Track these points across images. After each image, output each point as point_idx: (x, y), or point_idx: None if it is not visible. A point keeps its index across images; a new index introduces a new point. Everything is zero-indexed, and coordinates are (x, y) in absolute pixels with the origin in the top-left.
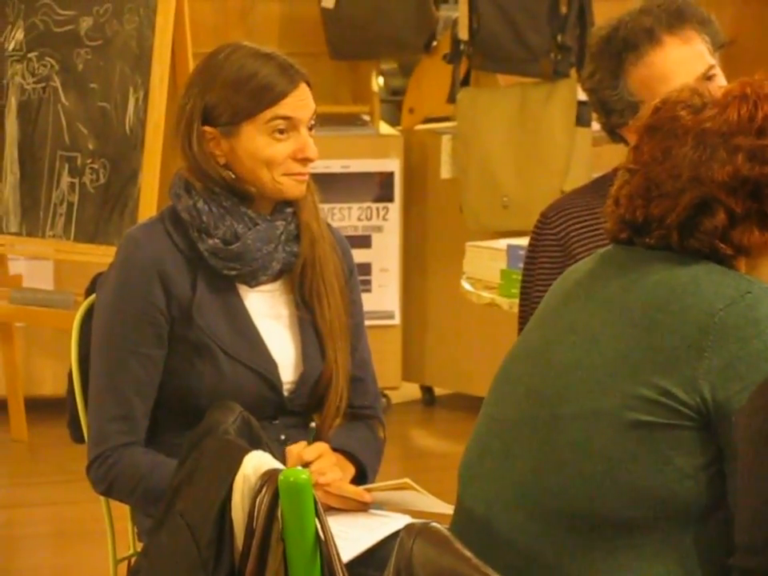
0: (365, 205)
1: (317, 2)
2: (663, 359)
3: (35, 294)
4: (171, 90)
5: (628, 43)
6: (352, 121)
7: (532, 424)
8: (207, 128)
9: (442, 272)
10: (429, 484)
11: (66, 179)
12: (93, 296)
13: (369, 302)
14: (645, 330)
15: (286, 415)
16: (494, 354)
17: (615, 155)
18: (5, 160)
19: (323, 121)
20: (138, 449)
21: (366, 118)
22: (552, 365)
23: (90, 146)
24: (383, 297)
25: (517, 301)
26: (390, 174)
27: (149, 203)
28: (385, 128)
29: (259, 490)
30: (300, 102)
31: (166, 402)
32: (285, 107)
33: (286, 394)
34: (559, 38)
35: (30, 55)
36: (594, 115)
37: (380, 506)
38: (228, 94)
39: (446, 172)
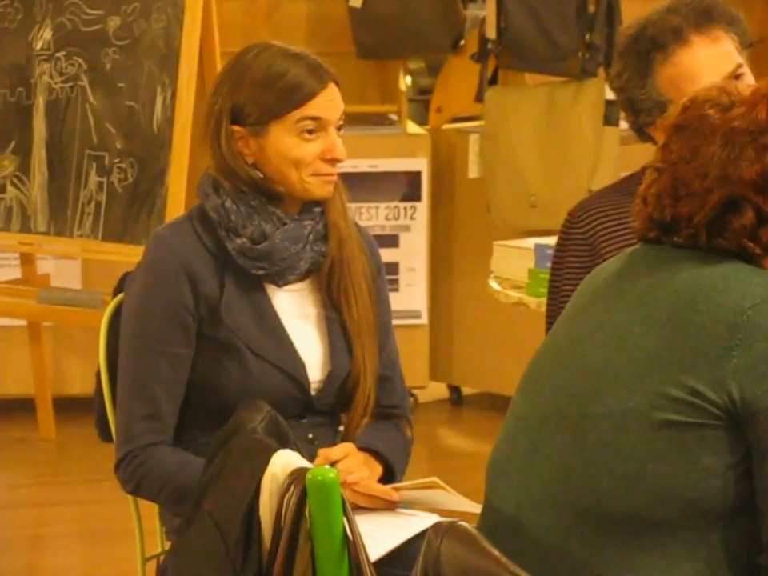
0: (392, 204)
1: (344, 1)
2: (691, 358)
3: (63, 294)
4: (199, 89)
5: (656, 42)
6: (379, 120)
7: (560, 423)
8: (236, 127)
9: (469, 271)
10: (456, 483)
11: (93, 178)
12: (121, 295)
13: (396, 301)
14: (673, 329)
15: (313, 414)
16: (521, 353)
17: (643, 154)
18: (33, 159)
19: (351, 120)
20: (165, 448)
21: (394, 117)
22: (580, 364)
23: (118, 146)
24: (411, 296)
25: (544, 300)
26: (418, 174)
27: (176, 202)
28: (412, 127)
29: (287, 489)
30: (329, 103)
31: (194, 400)
32: (314, 107)
33: (313, 393)
34: (587, 36)
35: (57, 54)
36: (622, 114)
37: (408, 504)
38: (257, 93)
39: (473, 171)
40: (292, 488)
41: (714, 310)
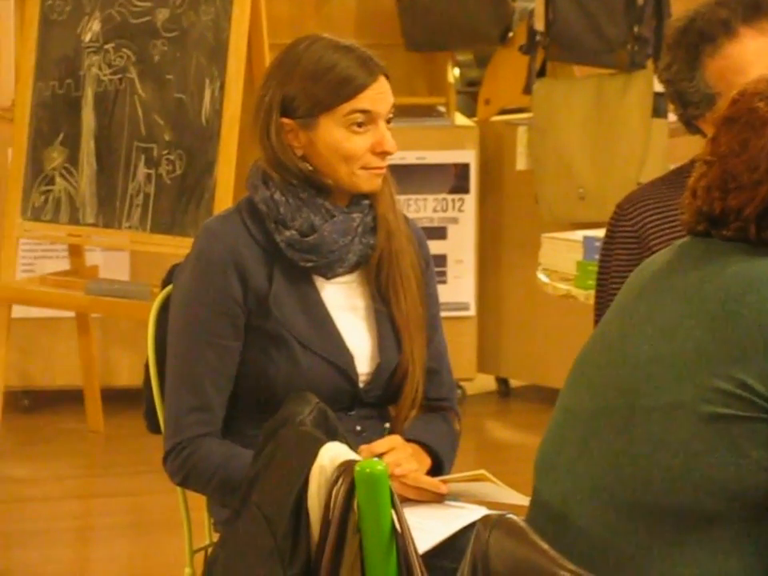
0: (440, 196)
1: None
2: (740, 351)
3: (111, 285)
4: (247, 81)
5: (704, 35)
6: (428, 112)
7: (609, 416)
8: (285, 120)
9: (517, 263)
10: (504, 475)
11: (142, 170)
12: (169, 287)
13: (444, 293)
14: (722, 322)
15: (361, 407)
16: (569, 346)
17: (692, 146)
18: (81, 152)
19: (399, 112)
20: (214, 440)
21: (442, 109)
22: (629, 357)
23: (167, 138)
24: (459, 288)
25: (593, 292)
26: (466, 166)
27: (225, 194)
28: (460, 119)
29: (335, 481)
30: (379, 96)
31: (242, 393)
32: (363, 100)
33: (361, 385)
34: (636, 29)
35: (106, 46)
36: (671, 106)
37: (456, 497)
38: (307, 85)
39: (521, 163)
40: (340, 480)
41: (763, 302)
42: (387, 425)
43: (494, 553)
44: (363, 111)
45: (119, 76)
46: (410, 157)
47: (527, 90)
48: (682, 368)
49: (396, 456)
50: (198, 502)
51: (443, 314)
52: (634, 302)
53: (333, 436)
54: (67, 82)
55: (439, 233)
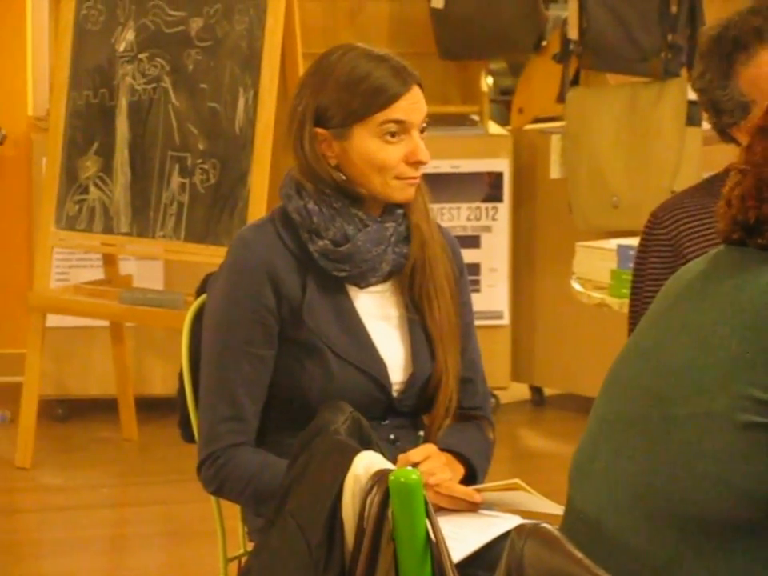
0: (474, 205)
1: (426, 1)
2: None
3: (145, 294)
4: (281, 90)
5: (738, 43)
6: (461, 121)
7: (644, 425)
8: (319, 129)
9: (551, 272)
10: (539, 484)
11: (176, 179)
12: (203, 296)
13: (478, 302)
14: (757, 330)
15: (395, 416)
16: (604, 355)
17: (726, 155)
18: (115, 161)
19: (432, 121)
20: (248, 449)
21: (476, 117)
22: (664, 365)
23: (200, 147)
24: (492, 297)
25: (627, 301)
26: (500, 174)
27: (258, 204)
28: (494, 128)
29: (370, 490)
30: (413, 105)
31: (276, 402)
32: (397, 110)
33: (395, 394)
34: (669, 37)
35: (140, 56)
36: (705, 115)
37: (490, 506)
38: (340, 95)
39: (555, 172)
40: (375, 489)
41: None
42: (421, 433)
43: (528, 562)
44: (397, 121)
45: (153, 85)
46: (444, 166)
47: (561, 98)
48: (717, 377)
49: (430, 465)
50: (232, 511)
51: (477, 322)
52: (669, 310)
53: (367, 445)
54: (101, 91)
55: (473, 241)
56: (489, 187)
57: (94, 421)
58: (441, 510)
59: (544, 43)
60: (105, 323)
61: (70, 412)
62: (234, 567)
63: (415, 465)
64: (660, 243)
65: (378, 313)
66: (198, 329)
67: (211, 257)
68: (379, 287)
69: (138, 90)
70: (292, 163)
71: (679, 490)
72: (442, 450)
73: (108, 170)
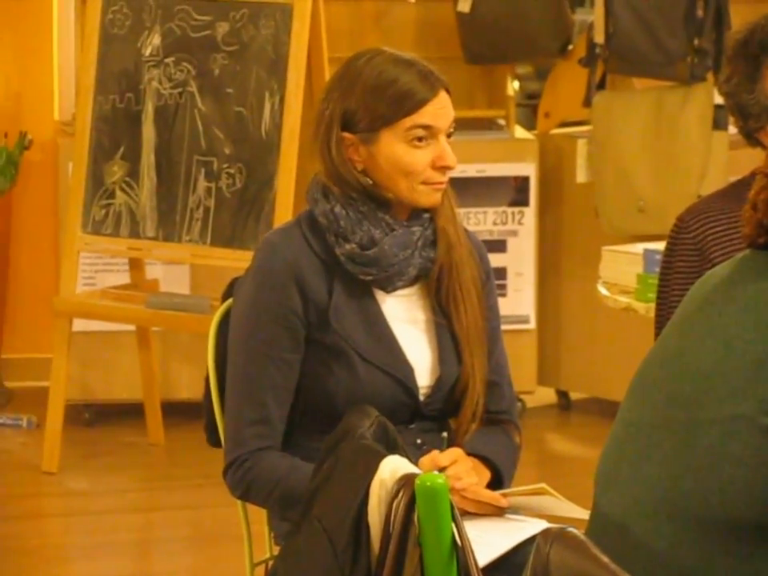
0: (500, 209)
1: (452, 6)
2: None
3: (172, 299)
4: (307, 94)
5: (765, 47)
6: (487, 125)
7: (669, 429)
8: (346, 134)
9: (577, 276)
10: (565, 489)
11: (202, 184)
12: (229, 300)
13: (504, 306)
14: None
15: (421, 420)
16: (630, 359)
17: (752, 159)
18: (142, 165)
19: (459, 125)
20: (274, 453)
21: (502, 122)
22: (689, 370)
23: (227, 151)
24: (518, 301)
25: (653, 305)
26: (526, 179)
27: (285, 208)
28: (520, 132)
29: (396, 495)
30: (440, 111)
31: (303, 406)
32: (425, 115)
33: (422, 398)
34: (696, 41)
35: (166, 60)
36: (731, 119)
37: (516, 510)
38: (367, 100)
39: (581, 176)
40: (401, 494)
41: None
42: (444, 434)
43: (554, 566)
44: (424, 126)
45: (179, 90)
46: (470, 170)
47: (587, 102)
48: (742, 381)
49: (456, 469)
50: (259, 515)
51: (503, 327)
52: (695, 314)
53: (393, 449)
54: (128, 95)
55: (499, 246)
56: (515, 191)
57: (121, 425)
58: (467, 514)
59: (570, 47)
60: (131, 328)
61: (96, 416)
62: (260, 571)
63: (442, 469)
64: (686, 247)
65: (405, 316)
66: (224, 333)
67: (237, 261)
68: (406, 291)
69: (164, 95)
70: (318, 167)
71: (704, 493)
72: (469, 454)
73: (134, 174)
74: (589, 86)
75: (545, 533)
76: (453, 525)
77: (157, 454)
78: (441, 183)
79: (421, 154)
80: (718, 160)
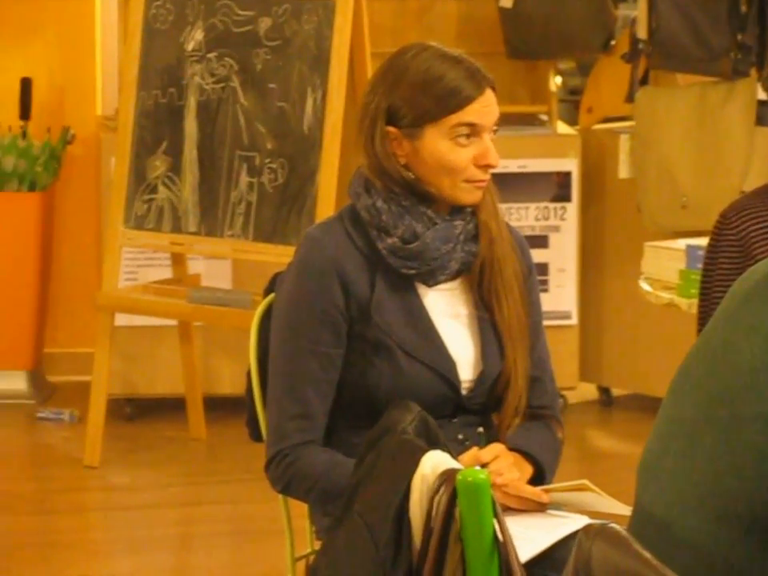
0: (542, 205)
1: (494, 1)
2: None
3: (214, 294)
4: (349, 90)
5: None
6: (530, 120)
7: (711, 425)
8: (390, 128)
9: (619, 272)
10: (607, 485)
11: (244, 179)
12: (271, 295)
13: (546, 302)
14: None
15: (464, 414)
16: (672, 355)
17: None
18: (184, 160)
19: (501, 121)
20: (316, 447)
21: (544, 117)
22: (732, 366)
23: (269, 146)
24: (560, 297)
25: (696, 301)
26: (568, 174)
27: (327, 203)
28: (563, 127)
29: (437, 490)
30: (485, 109)
31: (345, 401)
32: (470, 113)
33: (464, 393)
34: (739, 36)
35: (209, 55)
36: None
37: (558, 506)
38: (413, 95)
39: (623, 172)
40: (442, 489)
41: None
42: (481, 429)
43: (596, 563)
44: (469, 124)
45: (222, 85)
46: (512, 165)
47: (630, 98)
48: None
49: (499, 465)
50: (300, 509)
51: (545, 322)
52: (738, 310)
53: (434, 444)
54: (170, 90)
55: (541, 241)
56: (557, 187)
57: (162, 420)
58: (508, 509)
59: (613, 43)
60: (173, 322)
61: (138, 411)
62: (301, 566)
63: (484, 465)
64: (729, 243)
65: (448, 311)
66: (266, 328)
67: (279, 256)
68: (448, 285)
69: (207, 90)
70: (360, 162)
71: (746, 490)
72: (511, 449)
73: (176, 169)
74: (631, 81)
75: (587, 529)
76: (494, 520)
77: (198, 448)
78: (482, 181)
79: (464, 152)
80: (761, 156)
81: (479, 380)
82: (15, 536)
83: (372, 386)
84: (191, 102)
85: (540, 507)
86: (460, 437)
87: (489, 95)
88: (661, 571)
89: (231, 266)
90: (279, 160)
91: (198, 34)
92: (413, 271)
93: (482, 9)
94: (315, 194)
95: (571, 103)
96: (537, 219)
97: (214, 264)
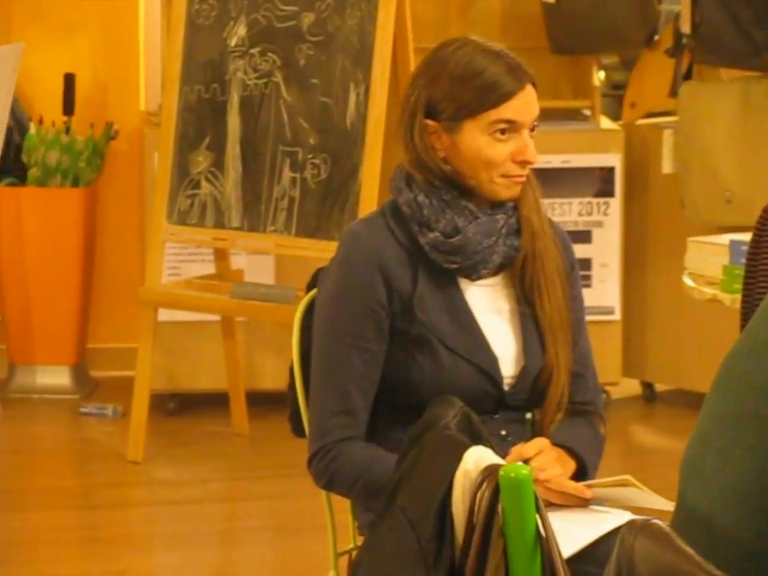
0: (585, 200)
1: None
2: None
3: (256, 289)
4: (392, 85)
5: None
6: (573, 115)
7: (755, 421)
8: (429, 121)
9: (663, 267)
10: (650, 481)
11: (287, 174)
12: (314, 291)
13: (589, 297)
14: None
15: (506, 410)
16: (715, 350)
17: None
18: (227, 156)
19: (543, 115)
20: (358, 443)
21: (587, 112)
22: None
23: (312, 141)
24: (603, 292)
25: (739, 297)
26: (611, 169)
27: (369, 198)
28: (606, 122)
29: (480, 485)
30: (525, 105)
31: (387, 396)
32: (509, 109)
33: (506, 388)
34: None
35: (252, 51)
36: None
37: (600, 502)
38: (453, 89)
39: (667, 167)
40: (485, 485)
41: None
42: (528, 415)
43: (639, 558)
44: (508, 120)
45: (264, 80)
46: (555, 160)
47: (673, 93)
48: None
49: (542, 460)
50: (343, 505)
51: (588, 318)
52: None
53: (477, 440)
54: (213, 86)
55: (584, 236)
56: (600, 182)
57: (205, 415)
58: (551, 505)
59: (656, 38)
60: (216, 318)
61: (181, 406)
62: (344, 561)
63: (526, 460)
64: None
65: (490, 306)
66: (308, 323)
67: (322, 251)
68: (490, 280)
69: (250, 85)
70: (403, 157)
71: None
72: (553, 444)
73: (219, 164)
74: (675, 76)
75: (629, 524)
76: (537, 516)
77: (241, 443)
78: (520, 176)
79: (502, 147)
80: None
81: (521, 375)
82: (59, 531)
83: (414, 381)
84: (234, 98)
85: (583, 503)
86: (503, 432)
87: (529, 91)
88: (703, 567)
89: (274, 262)
90: (322, 155)
91: (241, 30)
92: (455, 265)
93: (524, 3)
94: (358, 190)
95: (614, 98)
96: (580, 214)
97: (257, 259)
